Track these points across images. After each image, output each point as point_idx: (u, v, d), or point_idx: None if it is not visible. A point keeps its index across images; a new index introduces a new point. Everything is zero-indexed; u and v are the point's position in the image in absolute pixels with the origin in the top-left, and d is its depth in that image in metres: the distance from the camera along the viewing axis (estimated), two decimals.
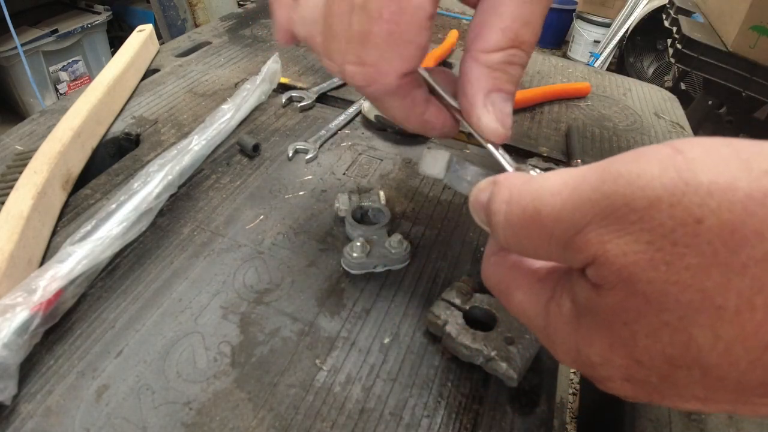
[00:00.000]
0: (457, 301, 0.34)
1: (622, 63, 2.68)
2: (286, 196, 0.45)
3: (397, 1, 0.22)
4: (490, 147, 0.27)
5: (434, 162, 0.28)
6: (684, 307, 0.15)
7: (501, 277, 0.24)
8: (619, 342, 0.18)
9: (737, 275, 0.15)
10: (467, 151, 0.54)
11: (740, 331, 0.15)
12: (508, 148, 0.55)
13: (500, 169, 0.26)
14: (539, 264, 0.23)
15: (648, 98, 0.70)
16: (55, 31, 1.80)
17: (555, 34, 3.20)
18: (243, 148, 0.50)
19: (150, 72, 0.64)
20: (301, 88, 0.60)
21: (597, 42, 2.80)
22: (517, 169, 0.26)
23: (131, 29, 0.65)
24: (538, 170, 0.25)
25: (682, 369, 0.16)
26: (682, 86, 2.11)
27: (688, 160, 0.16)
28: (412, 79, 0.26)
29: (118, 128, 0.53)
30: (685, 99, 1.95)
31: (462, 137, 0.56)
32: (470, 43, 0.25)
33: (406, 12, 0.22)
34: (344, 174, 0.49)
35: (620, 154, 0.18)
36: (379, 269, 0.38)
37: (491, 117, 0.25)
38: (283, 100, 0.58)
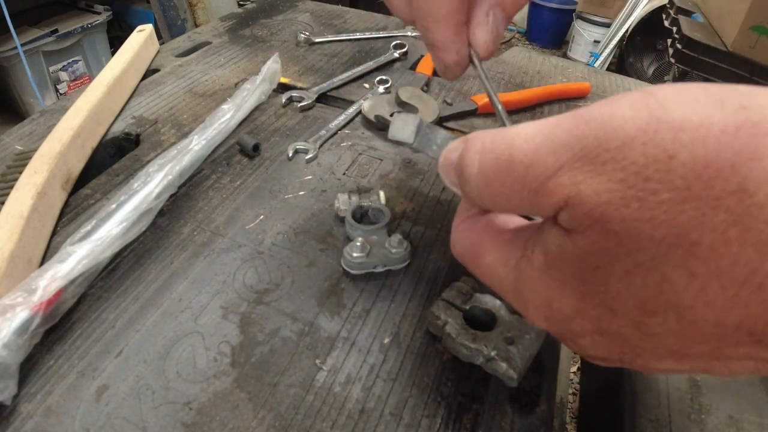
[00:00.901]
0: (457, 301, 0.33)
1: (622, 63, 2.68)
2: (286, 196, 0.45)
3: None
4: (493, 98, 0.30)
5: (404, 126, 0.28)
6: (657, 244, 0.15)
7: (470, 242, 0.24)
8: (592, 289, 0.18)
9: (711, 209, 0.14)
10: None
11: (715, 267, 0.15)
12: None
13: None
14: (510, 225, 0.23)
15: None
16: (55, 31, 1.80)
17: (555, 34, 3.19)
18: (243, 148, 0.50)
19: (150, 72, 0.64)
20: (301, 88, 0.60)
21: (597, 42, 2.80)
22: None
23: (131, 29, 0.65)
24: None
25: (657, 315, 0.16)
26: None
27: (660, 100, 0.16)
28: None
29: (118, 128, 0.53)
30: None
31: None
32: None
33: None
34: (344, 174, 0.49)
35: (594, 102, 0.18)
36: (379, 269, 0.38)
37: (486, 29, 0.28)
38: (283, 100, 0.58)
